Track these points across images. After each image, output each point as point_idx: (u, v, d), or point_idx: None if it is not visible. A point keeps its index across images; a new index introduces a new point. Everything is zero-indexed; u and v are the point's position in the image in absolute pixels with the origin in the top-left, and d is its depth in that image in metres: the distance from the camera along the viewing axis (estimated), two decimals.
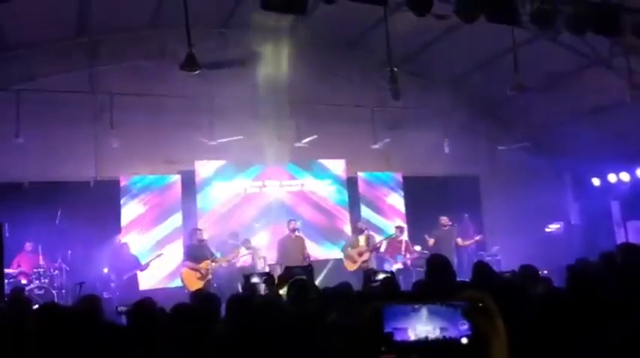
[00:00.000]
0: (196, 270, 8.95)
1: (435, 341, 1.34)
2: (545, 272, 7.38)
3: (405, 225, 11.28)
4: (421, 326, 1.34)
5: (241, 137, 10.45)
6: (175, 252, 10.31)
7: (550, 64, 10.18)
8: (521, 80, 8.26)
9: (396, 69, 7.31)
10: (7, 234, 7.69)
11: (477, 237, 11.11)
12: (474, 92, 12.18)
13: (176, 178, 10.89)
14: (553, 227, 12.40)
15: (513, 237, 11.50)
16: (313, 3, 6.70)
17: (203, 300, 3.95)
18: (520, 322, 2.62)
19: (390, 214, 12.23)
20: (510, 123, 12.81)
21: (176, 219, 10.78)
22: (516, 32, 8.02)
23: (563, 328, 2.74)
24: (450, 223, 10.79)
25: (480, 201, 13.01)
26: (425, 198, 11.84)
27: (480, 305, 1.45)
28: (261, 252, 10.07)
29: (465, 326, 1.35)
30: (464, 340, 1.35)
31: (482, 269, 4.63)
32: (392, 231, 11.05)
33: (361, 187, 12.23)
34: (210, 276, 8.96)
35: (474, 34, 8.67)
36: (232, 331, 3.67)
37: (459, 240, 10.80)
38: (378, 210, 12.23)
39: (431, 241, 10.61)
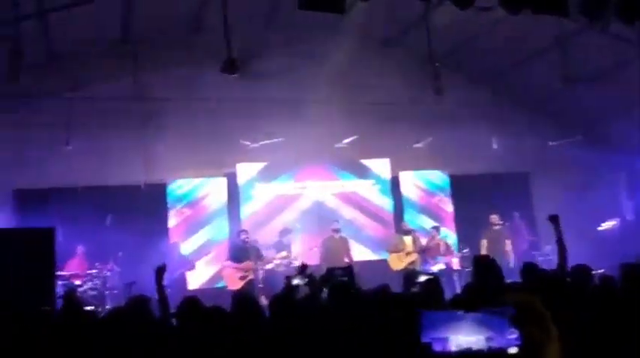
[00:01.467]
0: (237, 270, 9.05)
1: (480, 353, 1.21)
2: (601, 271, 7.08)
3: (438, 225, 10.98)
4: (464, 336, 1.21)
5: (282, 139, 10.50)
6: (221, 253, 10.46)
7: (599, 56, 9.77)
8: (570, 73, 7.95)
9: (438, 64, 7.16)
10: (60, 238, 7.95)
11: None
12: (519, 86, 11.83)
13: (221, 181, 11.05)
14: (607, 224, 11.88)
15: (566, 235, 11.07)
16: (351, 1, 6.64)
17: (239, 301, 3.96)
18: (574, 324, 2.50)
19: (435, 214, 12.01)
20: (560, 117, 12.36)
21: (221, 221, 10.92)
22: (563, 23, 7.74)
23: (618, 328, 2.60)
24: (501, 222, 10.48)
25: (530, 198, 12.59)
26: (472, 197, 11.52)
27: (531, 310, 1.30)
28: (295, 254, 9.93)
29: (513, 335, 1.21)
30: (512, 350, 1.21)
31: (531, 271, 4.46)
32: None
33: (404, 187, 12.07)
34: (251, 276, 9.02)
35: (518, 27, 8.41)
36: (274, 331, 3.67)
37: (508, 243, 10.41)
38: (422, 209, 12.04)
39: (483, 243, 10.33)
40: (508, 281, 4.66)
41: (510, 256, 10.19)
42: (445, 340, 1.21)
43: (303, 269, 4.59)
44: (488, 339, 1.22)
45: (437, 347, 1.21)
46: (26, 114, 9.86)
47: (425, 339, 1.20)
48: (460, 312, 1.22)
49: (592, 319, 2.68)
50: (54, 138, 9.62)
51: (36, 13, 7.31)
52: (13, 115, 9.87)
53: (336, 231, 9.97)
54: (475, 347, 1.21)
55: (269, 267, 9.29)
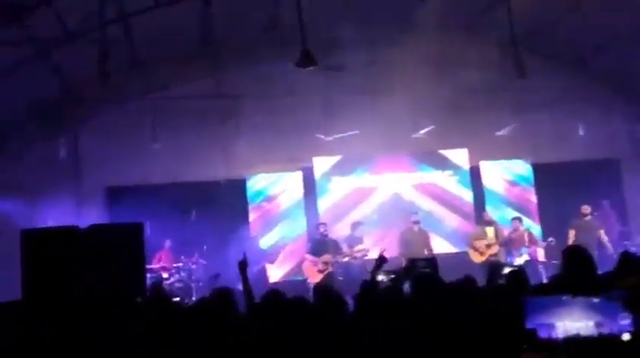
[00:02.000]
0: (316, 263, 9.14)
1: (590, 339, 1.11)
2: None
3: (520, 216, 10.54)
4: (571, 322, 1.12)
5: (357, 131, 10.47)
6: (299, 247, 10.60)
7: None
8: None
9: (519, 47, 6.86)
10: (148, 233, 8.33)
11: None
12: (606, 69, 11.12)
13: (297, 175, 11.18)
14: None
15: None
16: None
17: (321, 294, 3.97)
18: None
19: (518, 205, 11.57)
20: None
21: (298, 215, 11.06)
22: None
23: None
24: (592, 212, 9.91)
25: (621, 186, 11.85)
26: (558, 186, 11.01)
27: None
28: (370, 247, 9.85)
29: (627, 321, 1.10)
30: (625, 336, 1.11)
31: (629, 260, 4.18)
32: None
33: (485, 177, 11.70)
34: (330, 269, 9.08)
35: (605, 6, 7.89)
36: (358, 323, 3.66)
37: (602, 233, 9.83)
38: (505, 200, 11.62)
39: (571, 233, 9.82)
40: (601, 272, 4.40)
41: (608, 246, 9.63)
42: (551, 326, 1.12)
43: (381, 261, 4.53)
44: (597, 325, 1.12)
45: (542, 334, 1.12)
46: (115, 115, 10.44)
47: (529, 325, 1.10)
48: (567, 297, 1.12)
49: None
50: (141, 137, 10.11)
51: (119, 16, 7.66)
52: (102, 117, 10.49)
53: (416, 222, 9.83)
54: (584, 332, 1.11)
55: (345, 260, 9.32)
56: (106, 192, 10.63)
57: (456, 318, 2.63)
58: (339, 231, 10.32)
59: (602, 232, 9.79)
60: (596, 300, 1.09)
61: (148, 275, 8.83)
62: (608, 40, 10.26)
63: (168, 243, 9.91)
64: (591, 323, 1.09)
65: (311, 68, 6.99)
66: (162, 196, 10.04)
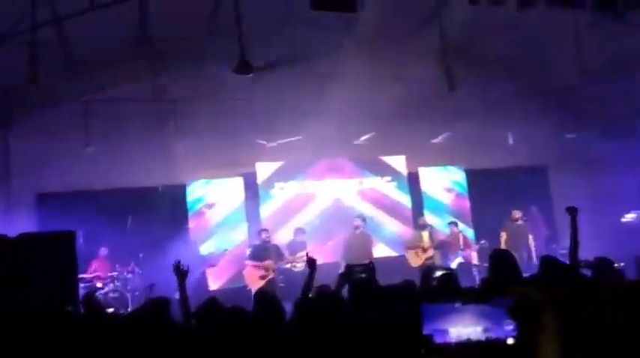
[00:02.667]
0: (258, 269, 9.12)
1: (478, 343, 1.22)
2: (622, 264, 7.00)
3: (456, 220, 10.99)
4: (463, 328, 1.22)
5: (300, 137, 10.54)
6: (240, 253, 10.54)
7: (618, 47, 9.61)
8: (586, 65, 7.85)
9: (450, 60, 7.12)
10: (82, 241, 8.10)
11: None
12: (536, 80, 11.70)
13: (239, 181, 11.12)
14: (629, 217, 11.71)
15: (587, 228, 10.92)
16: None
17: (260, 301, 3.99)
18: (589, 317, 2.49)
19: (453, 209, 11.98)
20: (578, 110, 12.21)
21: (240, 221, 11.00)
22: (581, 14, 7.63)
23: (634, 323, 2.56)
24: (523, 218, 10.39)
25: (549, 192, 12.49)
26: (490, 192, 11.50)
27: (526, 301, 1.29)
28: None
29: (510, 326, 1.21)
30: (509, 340, 1.22)
31: (550, 264, 4.41)
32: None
33: (423, 183, 12.05)
34: (272, 275, 9.08)
35: (535, 19, 8.31)
36: (297, 330, 3.68)
37: (531, 237, 10.33)
38: (441, 205, 12.00)
39: (503, 235, 10.27)
40: (526, 275, 4.63)
41: (533, 250, 10.14)
42: (445, 332, 1.22)
43: (311, 266, 4.62)
44: (485, 330, 1.22)
45: (438, 339, 1.21)
46: (47, 118, 10.05)
47: (426, 331, 1.19)
48: (458, 304, 1.22)
49: (604, 311, 2.65)
50: (74, 141, 9.78)
51: (52, 19, 7.42)
52: (35, 120, 10.07)
53: (357, 227, 9.96)
54: (474, 337, 1.22)
55: (287, 266, 9.35)
56: (36, 198, 10.19)
57: (384, 322, 2.72)
58: (282, 237, 10.34)
59: (530, 237, 10.29)
60: (484, 308, 1.20)
61: (82, 284, 8.58)
62: (535, 53, 10.79)
63: (103, 252, 9.64)
64: (480, 329, 1.20)
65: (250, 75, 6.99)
66: (98, 202, 9.76)
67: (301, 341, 3.36)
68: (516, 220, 10.32)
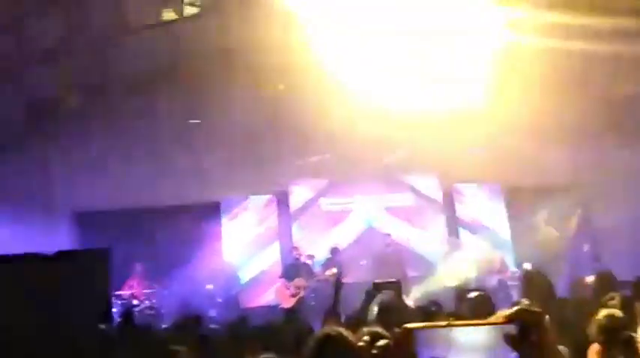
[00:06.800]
0: (289, 287, 9.09)
1: None
2: None
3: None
4: (464, 355, 1.09)
5: (330, 155, 10.52)
6: (273, 271, 10.53)
7: None
8: None
9: None
10: (119, 258, 8.21)
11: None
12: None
13: (272, 199, 11.17)
14: None
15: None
16: None
17: (287, 317, 3.99)
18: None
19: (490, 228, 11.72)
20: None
21: (273, 238, 11.01)
22: None
23: None
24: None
25: None
26: None
27: (523, 325, 1.13)
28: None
29: (514, 353, 1.07)
30: None
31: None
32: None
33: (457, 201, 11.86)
34: (302, 294, 9.04)
35: None
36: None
37: None
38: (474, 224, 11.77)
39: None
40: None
41: None
42: None
43: (338, 285, 4.60)
44: None
45: None
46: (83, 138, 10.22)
47: None
48: (458, 329, 1.10)
49: None
50: (111, 159, 9.95)
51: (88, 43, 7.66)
52: (72, 138, 10.19)
53: (389, 245, 9.87)
54: None
55: (318, 283, 9.30)
56: (74, 218, 10.40)
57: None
58: (315, 256, 10.30)
59: None
60: (488, 332, 1.06)
61: (118, 301, 8.72)
62: None
63: (139, 269, 9.76)
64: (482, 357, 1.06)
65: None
66: (134, 220, 9.92)
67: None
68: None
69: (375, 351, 1.73)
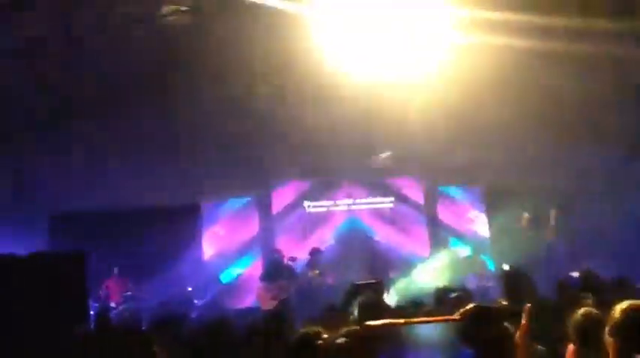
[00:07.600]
0: (270, 290, 9.04)
1: None
2: None
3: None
4: (421, 352, 1.06)
5: (313, 157, 10.49)
6: (254, 272, 10.47)
7: None
8: None
9: None
10: (95, 260, 8.09)
11: None
12: None
13: (252, 201, 11.11)
14: None
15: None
16: None
17: (268, 319, 3.97)
18: None
19: (471, 230, 11.80)
20: None
21: (254, 240, 10.95)
22: None
23: None
24: None
25: None
26: None
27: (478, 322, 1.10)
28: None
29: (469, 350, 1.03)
30: None
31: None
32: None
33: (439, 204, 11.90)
34: (285, 295, 8.99)
35: None
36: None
37: None
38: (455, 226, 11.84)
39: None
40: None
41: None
42: None
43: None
44: (444, 355, 1.06)
45: None
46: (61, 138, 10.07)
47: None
48: (415, 327, 1.06)
49: None
50: (89, 161, 9.82)
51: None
52: (47, 140, 10.08)
53: (371, 247, 9.87)
54: None
55: (300, 285, 9.26)
56: (51, 220, 10.23)
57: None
58: (297, 257, 10.26)
59: None
60: (442, 328, 1.03)
61: (95, 303, 8.60)
62: None
63: (117, 270, 9.65)
64: (437, 354, 1.03)
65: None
66: (113, 222, 9.79)
67: None
68: None
69: (335, 348, 1.72)
